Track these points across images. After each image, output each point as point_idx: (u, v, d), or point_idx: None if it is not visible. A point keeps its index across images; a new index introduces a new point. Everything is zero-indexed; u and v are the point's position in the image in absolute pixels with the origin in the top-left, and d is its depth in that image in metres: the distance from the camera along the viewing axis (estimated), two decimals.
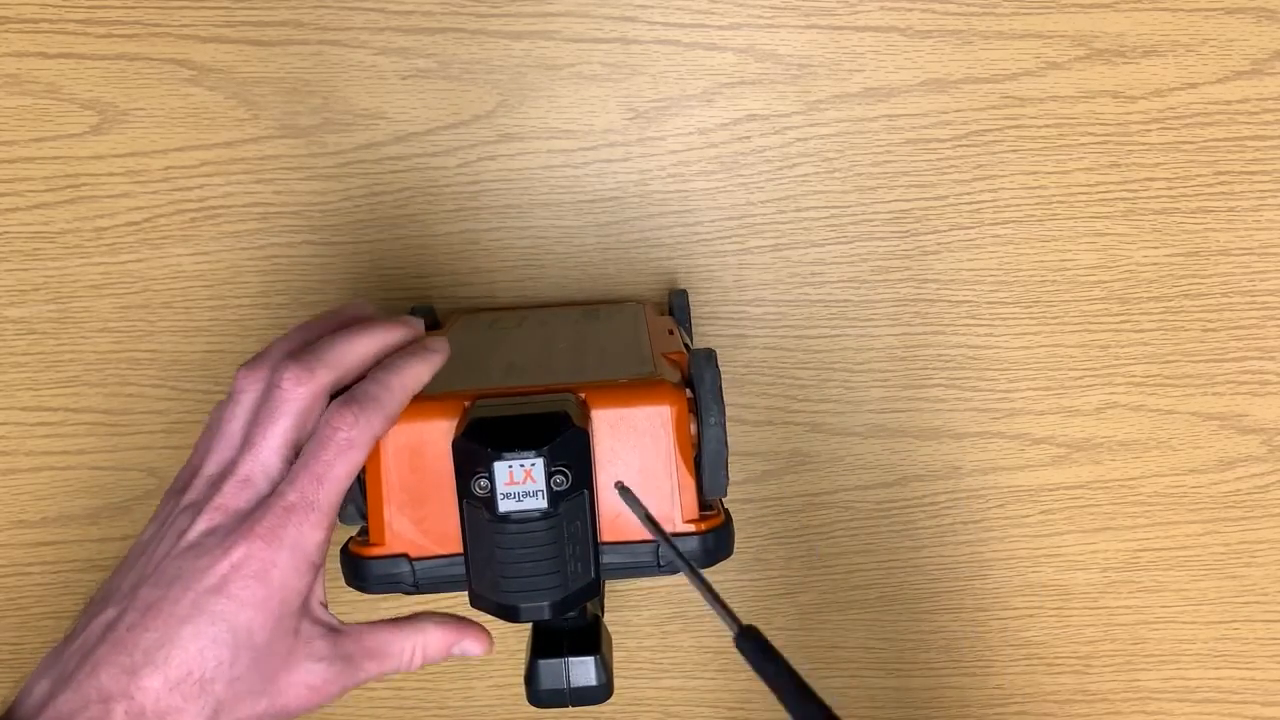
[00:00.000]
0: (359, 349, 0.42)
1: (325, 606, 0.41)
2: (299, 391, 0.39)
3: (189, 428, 0.63)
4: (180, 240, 0.61)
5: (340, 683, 0.40)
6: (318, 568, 0.39)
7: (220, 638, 0.36)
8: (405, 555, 0.41)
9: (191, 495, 0.39)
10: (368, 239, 0.61)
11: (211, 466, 0.40)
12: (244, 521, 0.38)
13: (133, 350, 0.62)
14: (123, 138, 0.60)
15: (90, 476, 0.64)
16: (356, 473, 0.40)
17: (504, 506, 0.38)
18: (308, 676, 0.39)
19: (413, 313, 0.58)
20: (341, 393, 0.40)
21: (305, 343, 0.42)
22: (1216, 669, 0.67)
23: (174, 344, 0.62)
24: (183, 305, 0.62)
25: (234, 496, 0.38)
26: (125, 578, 0.39)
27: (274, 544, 0.37)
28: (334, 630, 0.41)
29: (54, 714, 0.35)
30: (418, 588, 0.42)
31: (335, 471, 0.39)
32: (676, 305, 0.58)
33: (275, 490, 0.39)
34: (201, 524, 0.38)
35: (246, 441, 0.39)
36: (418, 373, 0.42)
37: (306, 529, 0.38)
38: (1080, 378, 0.63)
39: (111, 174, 0.60)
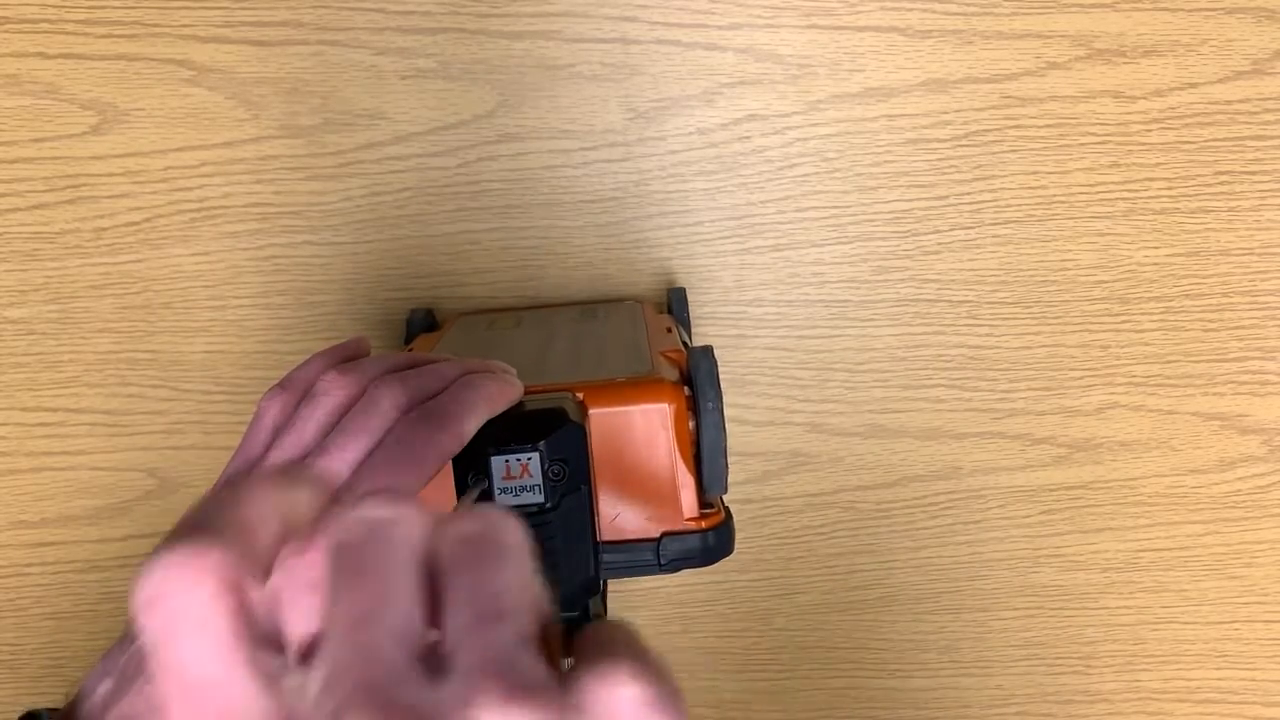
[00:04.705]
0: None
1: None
2: (395, 416, 0.38)
3: (189, 428, 0.63)
4: (180, 240, 0.61)
5: None
6: None
7: None
8: None
9: None
10: (368, 239, 0.61)
11: (274, 461, 0.39)
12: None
13: (133, 350, 0.62)
14: (123, 138, 0.60)
15: (90, 477, 0.64)
16: (421, 489, 0.38)
17: (501, 501, 0.38)
18: None
19: (412, 315, 0.59)
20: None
21: (400, 366, 0.41)
22: (1217, 669, 0.67)
23: (174, 344, 0.62)
24: (183, 305, 0.62)
25: None
26: None
27: None
28: None
29: (118, 716, 0.34)
30: None
31: (401, 489, 0.37)
32: (675, 303, 0.59)
33: (335, 497, 0.37)
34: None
35: (324, 447, 0.38)
36: (495, 394, 0.40)
37: None
38: (1081, 378, 0.63)
39: (111, 174, 0.60)
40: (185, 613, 0.19)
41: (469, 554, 0.22)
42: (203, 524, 0.21)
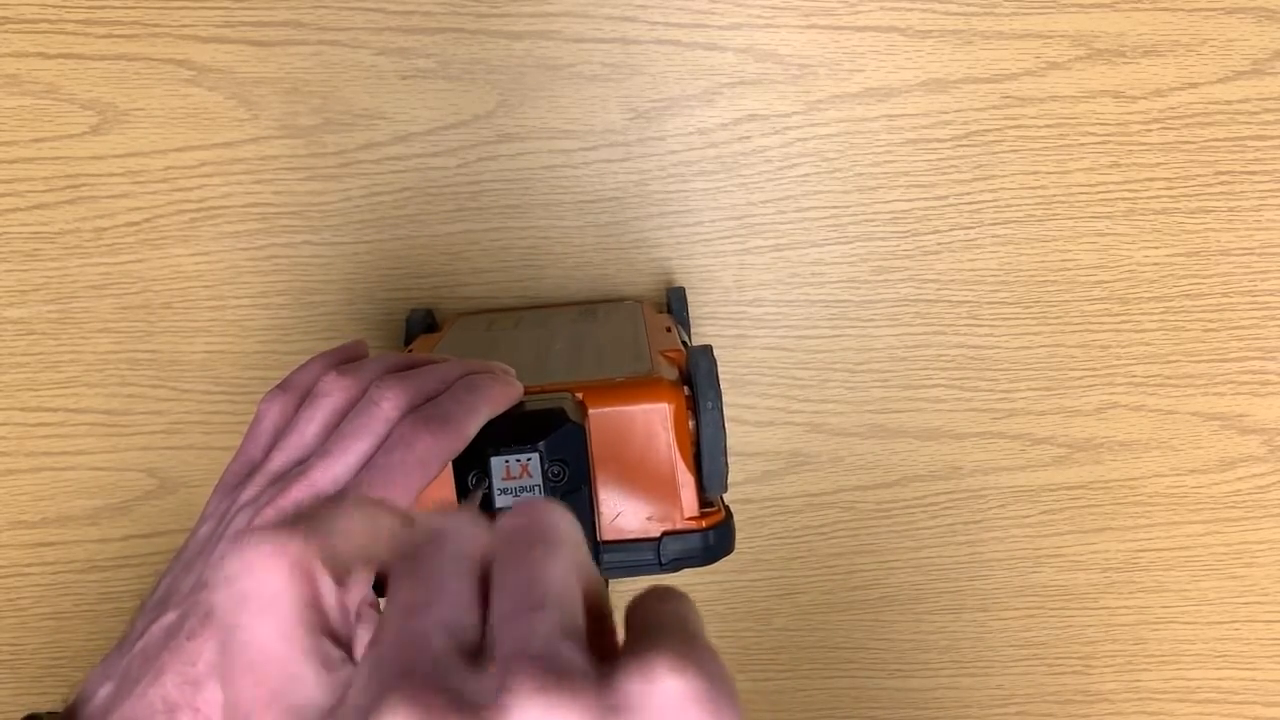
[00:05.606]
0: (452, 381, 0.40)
1: (376, 607, 0.39)
2: (395, 416, 0.38)
3: (189, 428, 0.63)
4: (180, 240, 0.61)
5: None
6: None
7: None
8: None
9: (250, 492, 0.38)
10: (368, 239, 0.61)
11: (276, 463, 0.39)
12: None
13: (133, 350, 0.62)
14: (123, 138, 0.60)
15: (90, 477, 0.64)
16: (423, 490, 0.38)
17: (501, 502, 0.38)
18: None
19: (411, 315, 0.59)
20: None
21: (399, 367, 0.41)
22: (1218, 669, 0.67)
23: (174, 344, 0.62)
24: (183, 305, 0.62)
25: (297, 500, 0.37)
26: (183, 579, 0.38)
27: None
28: None
29: (120, 718, 0.34)
30: None
31: (403, 491, 0.37)
32: (674, 302, 0.59)
33: (338, 499, 0.37)
34: (259, 525, 0.37)
35: (325, 449, 0.38)
36: (496, 395, 0.40)
37: None
38: (1081, 378, 0.63)
39: (111, 174, 0.60)
40: (258, 592, 0.21)
41: (513, 546, 0.23)
42: (292, 521, 0.22)
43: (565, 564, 0.22)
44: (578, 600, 0.22)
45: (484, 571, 0.22)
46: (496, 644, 0.21)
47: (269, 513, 0.37)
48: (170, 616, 0.36)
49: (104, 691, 0.36)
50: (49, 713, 0.37)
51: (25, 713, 0.37)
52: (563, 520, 0.23)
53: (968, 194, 0.61)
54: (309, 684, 0.21)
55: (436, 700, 0.19)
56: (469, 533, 0.23)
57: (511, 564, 0.22)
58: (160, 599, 0.38)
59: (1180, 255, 0.62)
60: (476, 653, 0.21)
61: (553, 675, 0.19)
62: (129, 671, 0.36)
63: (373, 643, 0.21)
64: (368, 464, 0.38)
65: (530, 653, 0.20)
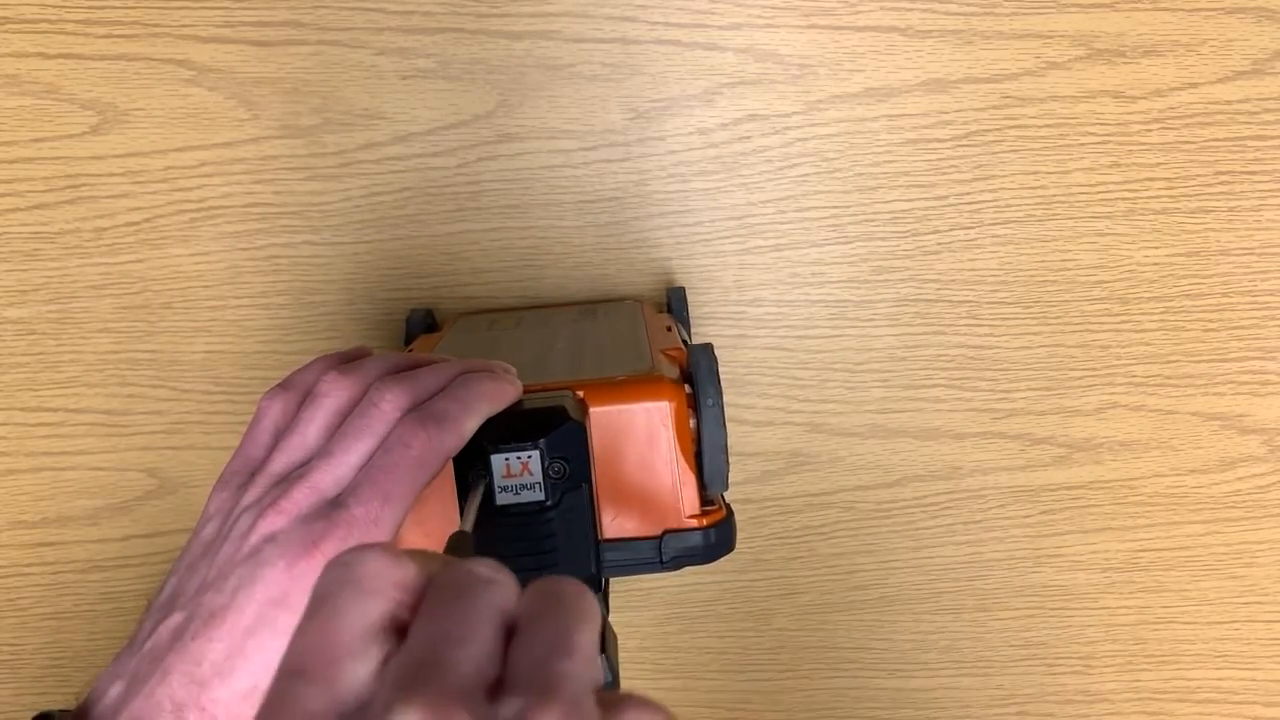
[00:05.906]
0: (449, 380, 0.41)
1: None
2: (395, 416, 0.38)
3: (189, 428, 0.63)
4: (180, 240, 0.61)
5: None
6: None
7: (283, 650, 0.36)
8: None
9: (253, 494, 0.39)
10: (368, 239, 0.61)
11: (278, 465, 0.39)
12: (306, 529, 0.37)
13: (133, 350, 0.62)
14: (123, 138, 0.60)
15: (90, 477, 0.64)
16: (423, 489, 0.38)
17: (502, 499, 0.38)
18: None
19: (412, 315, 0.59)
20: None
21: (399, 368, 0.41)
22: (1218, 669, 0.67)
23: (174, 344, 0.62)
24: (183, 305, 0.62)
25: (299, 502, 0.38)
26: (188, 580, 0.38)
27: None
28: None
29: (130, 717, 0.35)
30: None
31: (403, 490, 0.37)
32: (674, 302, 0.59)
33: (339, 500, 0.38)
34: (263, 527, 0.37)
35: (327, 450, 0.38)
36: (494, 392, 0.40)
37: None
38: (1081, 378, 0.63)
39: (111, 174, 0.60)
40: (363, 578, 0.25)
41: (549, 604, 0.25)
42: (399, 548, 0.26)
43: (593, 631, 0.25)
44: (598, 663, 0.24)
45: (508, 626, 0.25)
46: (520, 682, 0.23)
47: (271, 515, 0.37)
48: (176, 617, 0.37)
49: (114, 691, 0.36)
50: (61, 710, 0.37)
51: (25, 712, 0.37)
52: (592, 597, 0.26)
53: (968, 194, 0.61)
54: (362, 668, 0.24)
55: (457, 714, 0.21)
56: (505, 586, 0.26)
57: (547, 618, 0.25)
58: (167, 600, 0.38)
59: (1180, 255, 0.62)
60: (492, 692, 0.23)
61: (576, 713, 0.21)
62: (138, 671, 0.36)
63: (404, 651, 0.24)
64: (367, 464, 0.38)
65: (559, 694, 0.22)
